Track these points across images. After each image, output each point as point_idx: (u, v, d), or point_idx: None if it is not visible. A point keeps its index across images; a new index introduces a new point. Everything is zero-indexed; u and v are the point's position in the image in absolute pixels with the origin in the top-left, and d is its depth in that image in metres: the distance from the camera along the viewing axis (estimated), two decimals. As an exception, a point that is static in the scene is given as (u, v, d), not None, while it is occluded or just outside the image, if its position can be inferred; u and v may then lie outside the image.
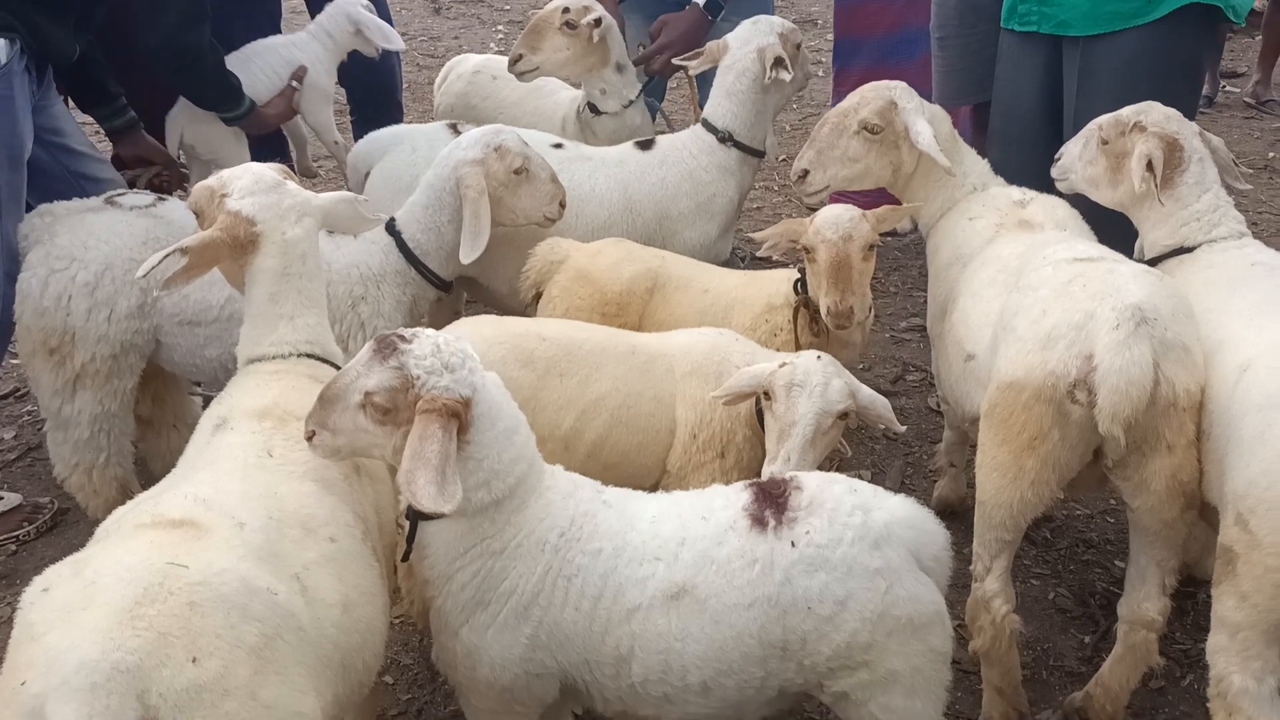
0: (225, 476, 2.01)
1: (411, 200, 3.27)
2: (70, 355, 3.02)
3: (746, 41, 3.79)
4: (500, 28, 10.29)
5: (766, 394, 2.55)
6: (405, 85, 8.70)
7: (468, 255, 3.11)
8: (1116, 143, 2.87)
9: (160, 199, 3.25)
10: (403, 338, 2.06)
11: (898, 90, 3.20)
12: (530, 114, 4.44)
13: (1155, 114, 2.85)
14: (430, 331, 2.11)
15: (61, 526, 3.55)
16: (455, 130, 3.81)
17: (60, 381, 3.05)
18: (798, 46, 3.92)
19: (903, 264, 5.39)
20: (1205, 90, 7.74)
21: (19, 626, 1.63)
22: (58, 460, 3.18)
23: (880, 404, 2.63)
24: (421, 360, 2.02)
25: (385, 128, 4.08)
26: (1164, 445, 2.31)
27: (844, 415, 2.53)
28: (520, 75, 4.12)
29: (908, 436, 4.02)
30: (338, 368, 2.36)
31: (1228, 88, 7.96)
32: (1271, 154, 6.88)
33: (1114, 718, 2.62)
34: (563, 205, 3.35)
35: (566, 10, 4.01)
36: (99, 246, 3.03)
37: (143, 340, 3.11)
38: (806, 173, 3.27)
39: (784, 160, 6.75)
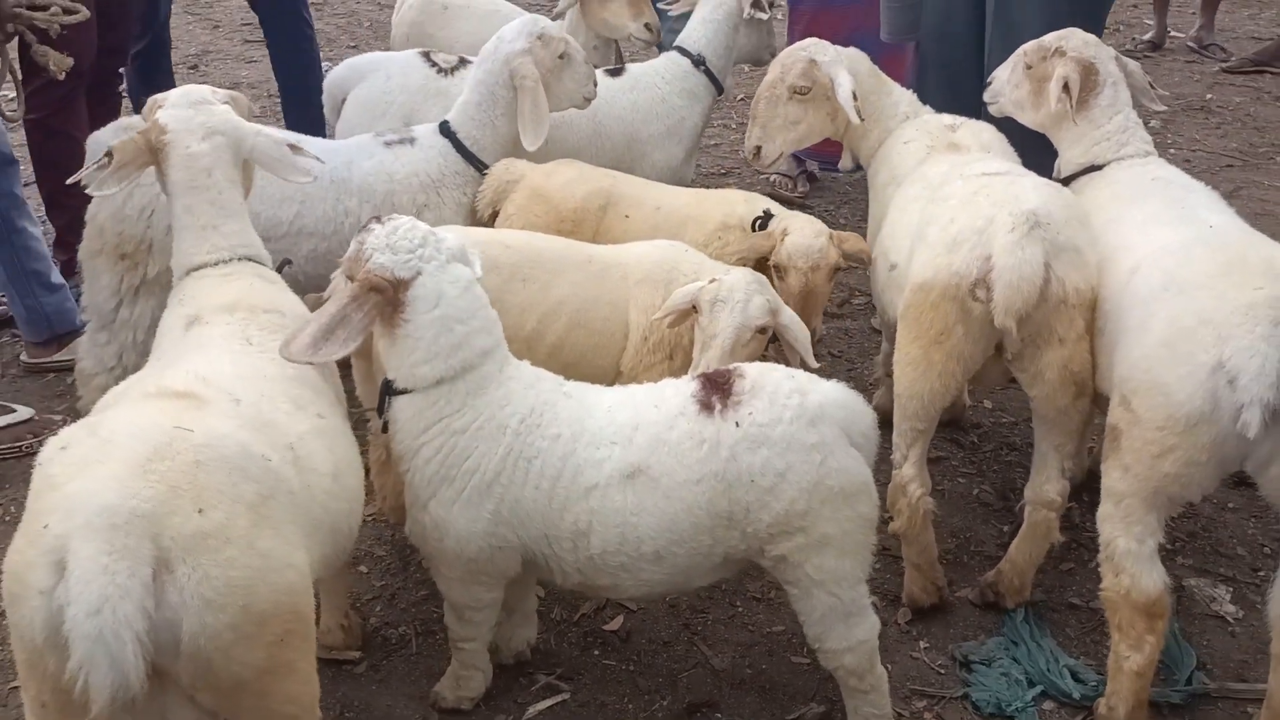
0: (216, 360, 2.21)
1: (462, 100, 3.48)
2: (143, 264, 3.05)
3: None
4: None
5: (695, 308, 2.78)
6: (368, 24, 8.79)
7: (532, 143, 3.33)
8: (1039, 67, 3.11)
9: None
10: (379, 220, 2.33)
11: (812, 48, 3.41)
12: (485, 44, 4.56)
13: (1075, 39, 3.08)
14: (409, 220, 2.34)
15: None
16: (428, 59, 3.97)
17: (125, 286, 3.06)
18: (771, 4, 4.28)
19: (852, 198, 5.64)
20: (1152, 37, 8.04)
21: (38, 479, 1.81)
22: (92, 359, 3.13)
23: (798, 328, 2.82)
24: (375, 239, 2.28)
25: (362, 55, 4.23)
26: (1056, 339, 2.58)
27: (763, 330, 2.76)
28: None
29: (851, 354, 4.29)
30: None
31: (1172, 33, 8.21)
32: (1209, 95, 7.15)
33: (1021, 591, 2.91)
34: (595, 84, 3.59)
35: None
36: None
37: None
38: (759, 148, 3.50)
39: (742, 99, 6.93)
